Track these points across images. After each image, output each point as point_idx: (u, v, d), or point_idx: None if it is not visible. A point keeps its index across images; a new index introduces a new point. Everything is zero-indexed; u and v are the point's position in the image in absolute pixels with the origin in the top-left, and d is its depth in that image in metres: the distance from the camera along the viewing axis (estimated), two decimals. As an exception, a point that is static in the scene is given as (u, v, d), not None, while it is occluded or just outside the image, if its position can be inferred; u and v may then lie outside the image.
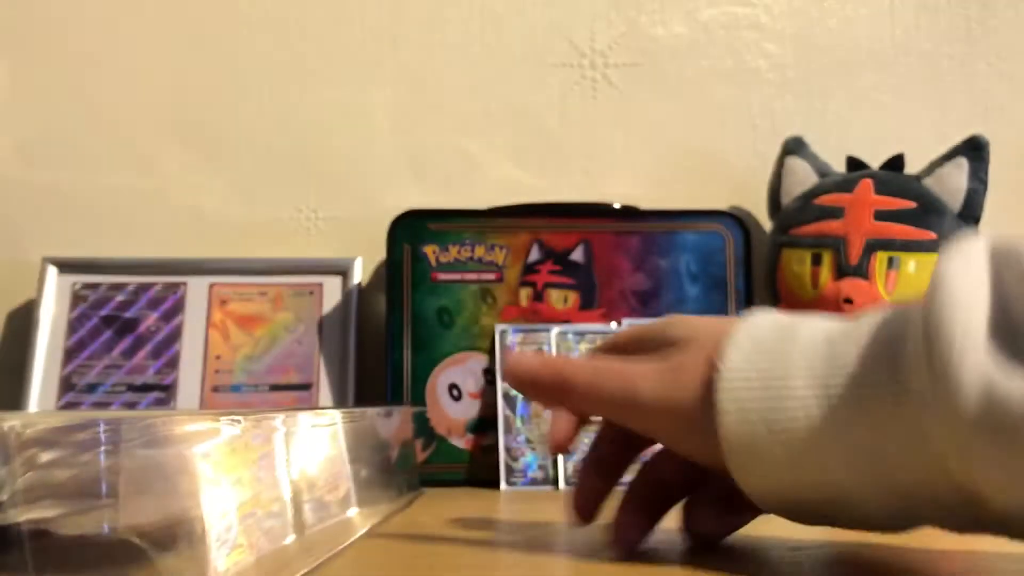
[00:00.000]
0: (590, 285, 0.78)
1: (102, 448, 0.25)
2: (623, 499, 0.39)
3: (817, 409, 0.31)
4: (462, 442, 0.75)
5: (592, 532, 0.40)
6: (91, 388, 0.78)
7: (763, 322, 0.35)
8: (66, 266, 0.81)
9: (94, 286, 0.81)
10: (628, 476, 0.41)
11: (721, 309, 0.78)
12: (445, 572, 0.35)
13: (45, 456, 0.25)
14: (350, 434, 0.46)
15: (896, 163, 0.79)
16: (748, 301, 0.78)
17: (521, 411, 0.73)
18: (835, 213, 0.76)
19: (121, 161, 0.87)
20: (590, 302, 0.78)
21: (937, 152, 0.79)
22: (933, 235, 0.74)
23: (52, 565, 0.25)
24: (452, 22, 0.89)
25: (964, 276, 0.28)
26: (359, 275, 0.82)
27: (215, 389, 0.79)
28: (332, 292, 0.82)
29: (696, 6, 0.90)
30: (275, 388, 0.79)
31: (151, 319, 0.80)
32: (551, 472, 0.71)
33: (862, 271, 0.74)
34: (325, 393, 0.79)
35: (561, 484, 0.71)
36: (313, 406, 0.77)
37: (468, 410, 0.75)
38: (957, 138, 0.78)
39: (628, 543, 0.38)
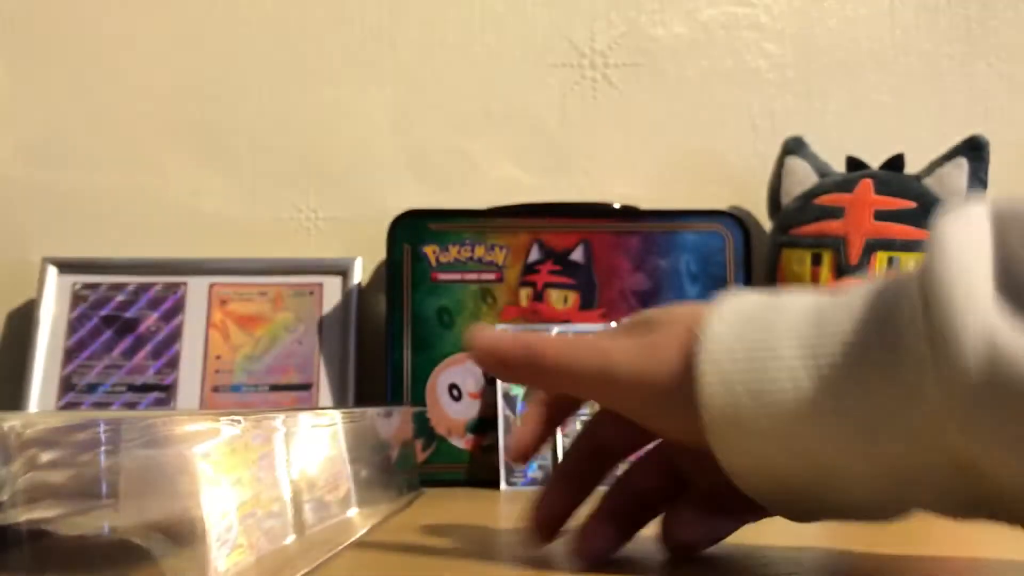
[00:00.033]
0: (590, 285, 0.78)
1: (102, 448, 0.25)
2: (595, 507, 0.37)
3: (805, 378, 0.29)
4: (462, 442, 0.75)
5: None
6: (91, 388, 0.78)
7: (747, 297, 0.33)
8: (66, 266, 0.81)
9: (94, 286, 0.81)
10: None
11: (721, 309, 0.78)
12: (445, 572, 0.35)
13: (45, 456, 0.25)
14: (350, 434, 0.46)
15: (896, 163, 0.79)
16: (748, 301, 0.78)
17: (521, 411, 0.73)
18: (835, 213, 0.76)
19: (121, 161, 0.87)
20: (590, 302, 0.78)
21: (937, 152, 0.79)
22: (933, 235, 0.74)
23: (52, 565, 0.25)
24: (452, 22, 0.89)
25: (964, 235, 0.26)
26: (359, 275, 0.82)
27: (215, 389, 0.79)
28: (332, 292, 0.82)
29: (696, 6, 0.90)
30: (275, 388, 0.79)
31: (151, 319, 0.80)
32: (551, 472, 0.71)
33: (862, 271, 0.74)
34: (325, 393, 0.79)
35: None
36: (313, 406, 0.77)
37: (468, 410, 0.75)
38: (957, 138, 0.78)
39: (593, 552, 0.36)
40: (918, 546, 0.34)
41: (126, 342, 0.79)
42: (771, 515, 0.34)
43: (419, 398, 0.75)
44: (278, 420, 0.36)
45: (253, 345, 0.80)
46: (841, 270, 0.74)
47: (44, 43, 0.88)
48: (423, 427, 0.75)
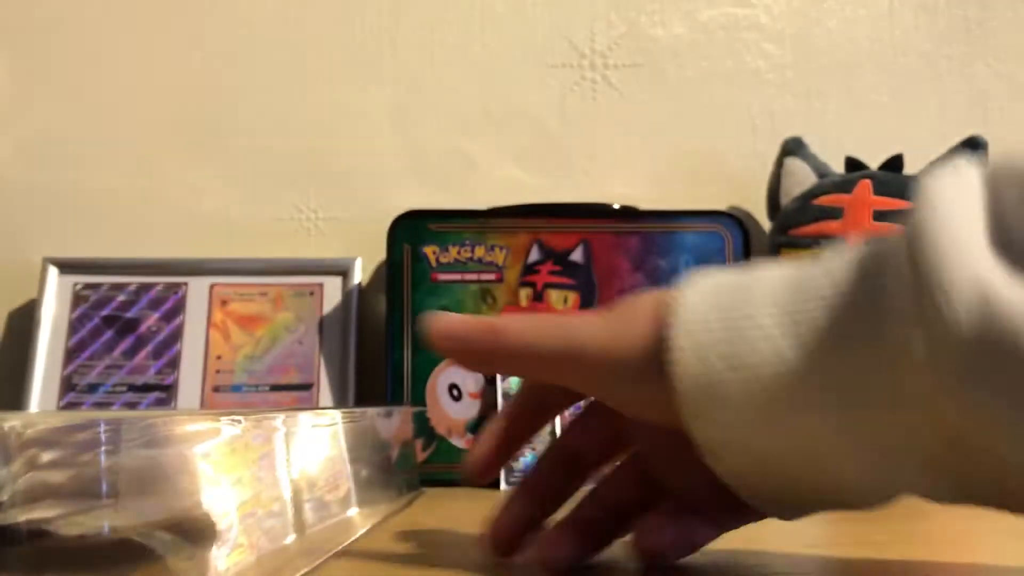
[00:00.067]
0: (590, 285, 0.78)
1: (102, 448, 0.25)
2: (563, 516, 0.35)
3: (785, 344, 0.27)
4: (462, 442, 0.75)
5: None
6: (92, 388, 0.78)
7: (721, 271, 0.31)
8: (67, 266, 0.81)
9: (95, 286, 0.81)
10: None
11: (721, 309, 0.78)
12: (445, 572, 0.35)
13: (46, 456, 0.25)
14: (350, 434, 0.46)
15: (895, 163, 0.79)
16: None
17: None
18: (834, 214, 0.76)
19: (121, 161, 0.87)
20: (590, 302, 0.78)
21: (937, 152, 0.79)
22: (932, 235, 0.74)
23: (52, 565, 0.25)
24: (452, 22, 0.89)
25: (954, 190, 0.25)
26: (359, 275, 0.82)
27: (216, 389, 0.79)
28: (332, 292, 0.82)
29: (696, 7, 0.90)
30: (276, 388, 0.79)
31: (152, 319, 0.80)
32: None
33: (861, 271, 0.74)
34: (325, 393, 0.79)
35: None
36: (313, 406, 0.77)
37: (468, 410, 0.76)
38: (956, 138, 0.78)
39: (550, 562, 0.33)
40: (916, 552, 0.34)
41: (127, 342, 0.79)
42: (752, 519, 0.33)
43: (419, 398, 0.76)
44: (278, 420, 0.36)
45: (254, 345, 0.80)
46: (840, 270, 0.74)
47: (44, 43, 0.88)
48: (423, 427, 0.75)
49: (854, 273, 0.26)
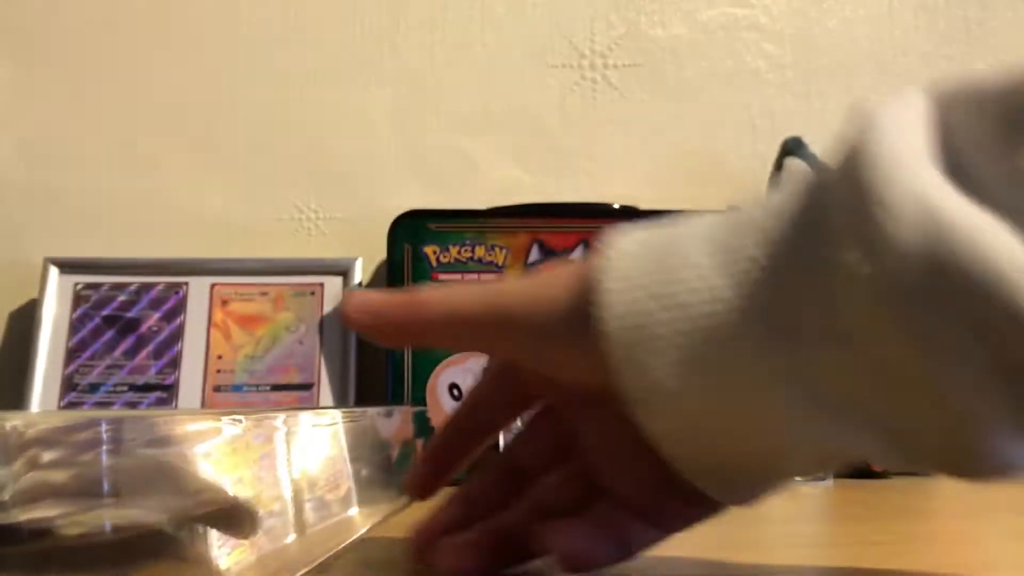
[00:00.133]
0: (590, 285, 0.78)
1: (104, 447, 0.25)
2: (484, 523, 0.33)
3: (720, 281, 0.25)
4: (462, 442, 0.75)
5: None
6: (93, 388, 0.78)
7: (655, 222, 0.28)
8: (68, 266, 0.81)
9: (96, 286, 0.81)
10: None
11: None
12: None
13: (47, 456, 0.25)
14: (351, 434, 0.46)
15: (895, 163, 0.79)
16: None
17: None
18: (834, 213, 0.76)
19: (121, 161, 0.87)
20: (590, 302, 0.78)
21: (936, 152, 0.79)
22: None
23: (53, 565, 0.25)
24: (452, 22, 0.89)
25: (897, 109, 0.23)
26: (359, 275, 0.82)
27: (217, 389, 0.79)
28: (333, 292, 0.82)
29: (696, 7, 0.90)
30: (276, 388, 0.79)
31: (153, 319, 0.80)
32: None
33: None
34: (326, 393, 0.79)
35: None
36: (314, 406, 0.77)
37: (468, 410, 0.76)
38: (956, 138, 0.78)
39: (455, 573, 0.31)
40: (917, 552, 0.34)
41: (128, 342, 0.79)
42: (699, 516, 0.30)
43: (419, 398, 0.76)
44: (279, 419, 0.36)
45: (254, 345, 0.80)
46: (840, 270, 0.74)
47: (44, 43, 0.88)
48: (423, 427, 0.75)
49: (795, 205, 0.25)
